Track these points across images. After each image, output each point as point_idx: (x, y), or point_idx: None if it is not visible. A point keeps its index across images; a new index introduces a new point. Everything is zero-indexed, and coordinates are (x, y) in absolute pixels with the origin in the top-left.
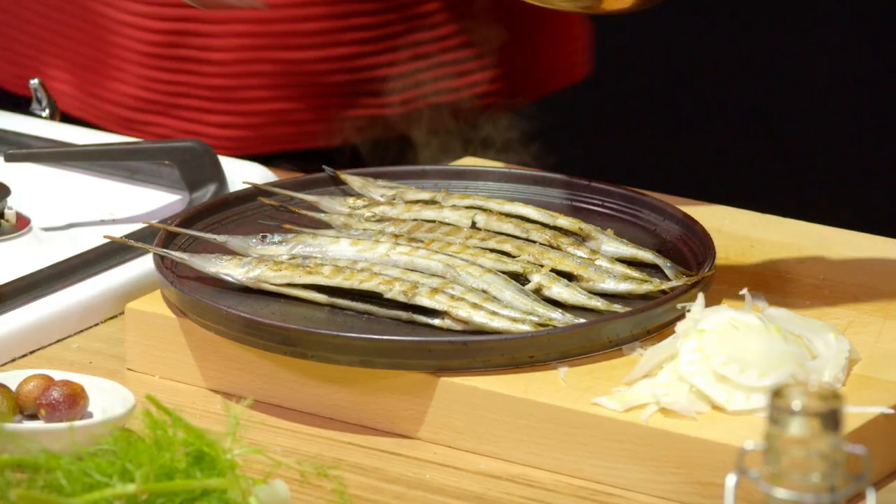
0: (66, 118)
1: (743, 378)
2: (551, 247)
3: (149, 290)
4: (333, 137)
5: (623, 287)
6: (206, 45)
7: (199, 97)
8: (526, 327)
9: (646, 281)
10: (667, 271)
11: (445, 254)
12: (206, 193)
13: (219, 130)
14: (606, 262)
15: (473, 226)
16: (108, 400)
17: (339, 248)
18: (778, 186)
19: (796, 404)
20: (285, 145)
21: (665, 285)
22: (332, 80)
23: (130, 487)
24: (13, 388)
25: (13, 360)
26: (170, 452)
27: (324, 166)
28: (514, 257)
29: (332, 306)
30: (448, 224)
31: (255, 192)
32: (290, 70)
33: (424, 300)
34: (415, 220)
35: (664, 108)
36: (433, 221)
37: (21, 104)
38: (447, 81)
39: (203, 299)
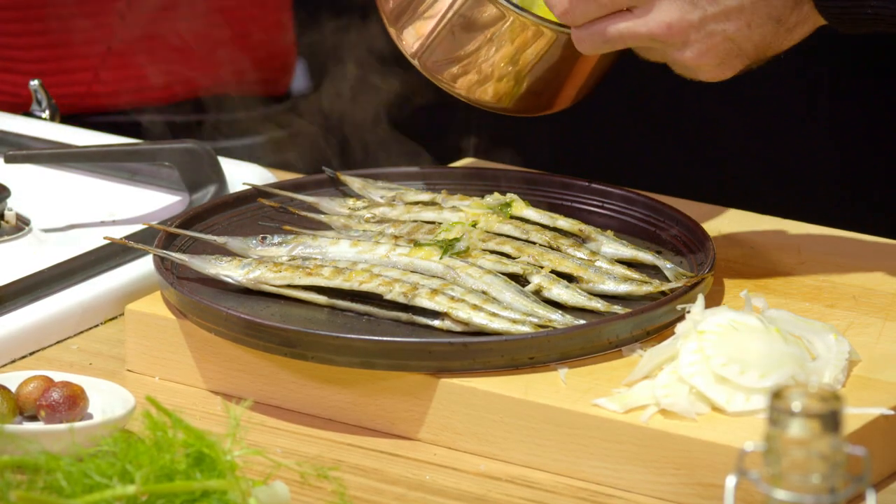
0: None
1: (743, 379)
2: (551, 248)
3: (149, 292)
4: None
5: (623, 288)
6: None
7: None
8: (526, 328)
9: (645, 282)
10: (666, 272)
11: None
12: (206, 195)
13: None
14: (606, 264)
15: (474, 227)
16: (107, 401)
17: (338, 249)
18: (778, 187)
19: (796, 405)
20: None
21: (665, 286)
22: None
23: (130, 489)
24: (13, 389)
25: (13, 362)
26: (170, 454)
27: (324, 167)
28: (513, 258)
29: (332, 307)
30: None
31: (255, 194)
32: None
33: (424, 301)
34: (414, 221)
35: (664, 109)
36: (433, 223)
37: None
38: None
39: (203, 300)
